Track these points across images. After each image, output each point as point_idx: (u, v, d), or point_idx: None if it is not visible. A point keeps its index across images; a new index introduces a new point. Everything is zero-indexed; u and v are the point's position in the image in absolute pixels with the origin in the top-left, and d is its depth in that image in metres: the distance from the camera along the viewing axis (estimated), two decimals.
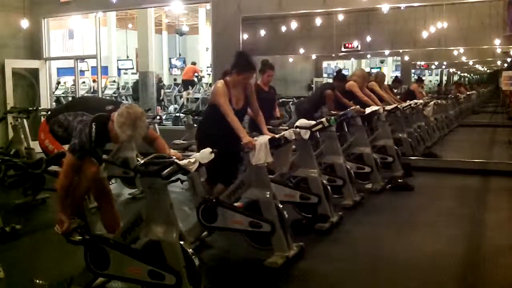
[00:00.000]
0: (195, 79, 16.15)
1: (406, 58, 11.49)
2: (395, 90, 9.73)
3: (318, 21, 9.66)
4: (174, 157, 3.30)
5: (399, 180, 7.17)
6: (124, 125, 3.22)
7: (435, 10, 8.73)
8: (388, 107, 7.70)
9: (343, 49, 10.21)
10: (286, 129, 4.86)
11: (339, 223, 5.34)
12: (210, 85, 12.76)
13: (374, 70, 13.27)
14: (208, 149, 3.52)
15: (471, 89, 12.81)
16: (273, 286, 3.94)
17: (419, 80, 10.68)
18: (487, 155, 8.99)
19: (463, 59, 11.36)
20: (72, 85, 15.62)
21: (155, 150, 3.61)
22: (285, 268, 4.10)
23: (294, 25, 9.99)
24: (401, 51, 11.23)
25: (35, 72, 11.40)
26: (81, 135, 3.37)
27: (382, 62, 14.32)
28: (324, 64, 13.34)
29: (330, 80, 14.56)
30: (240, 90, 4.54)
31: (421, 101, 9.28)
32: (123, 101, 13.18)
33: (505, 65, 10.81)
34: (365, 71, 8.14)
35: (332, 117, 5.65)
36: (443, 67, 12.44)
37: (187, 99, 14.60)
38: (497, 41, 9.09)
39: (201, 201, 4.26)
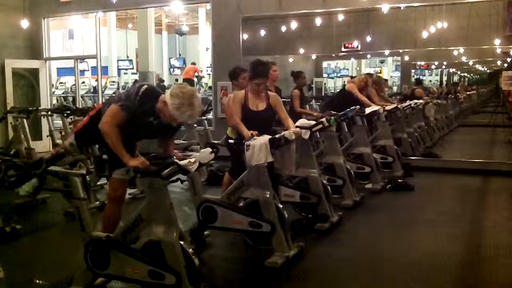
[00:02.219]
0: (195, 79, 16.16)
1: (406, 58, 11.49)
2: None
3: (318, 21, 9.66)
4: (174, 157, 3.30)
5: (399, 180, 7.17)
6: (182, 106, 3.24)
7: (435, 10, 8.74)
8: (388, 107, 7.71)
9: (343, 49, 10.23)
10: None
11: (339, 223, 5.34)
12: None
13: (373, 70, 13.29)
14: (208, 149, 3.53)
15: (471, 90, 12.84)
16: (273, 286, 3.94)
17: (420, 83, 10.67)
18: (487, 155, 9.00)
19: (463, 59, 11.37)
20: (72, 85, 15.62)
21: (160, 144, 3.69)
22: (285, 268, 4.09)
23: (294, 25, 9.98)
24: (401, 51, 11.24)
25: (35, 72, 11.40)
26: (129, 91, 3.49)
27: (382, 62, 14.33)
28: (324, 64, 13.35)
29: (331, 80, 14.60)
30: (261, 96, 4.78)
31: (421, 101, 9.29)
32: None
33: (505, 65, 10.81)
34: (367, 76, 8.03)
35: (332, 117, 5.65)
36: (443, 67, 12.45)
37: None
38: (497, 41, 9.09)
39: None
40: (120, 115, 3.35)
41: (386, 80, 11.71)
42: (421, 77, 12.01)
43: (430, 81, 12.71)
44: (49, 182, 4.94)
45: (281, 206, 4.39)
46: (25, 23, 10.72)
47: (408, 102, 8.67)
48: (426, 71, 12.31)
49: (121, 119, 3.35)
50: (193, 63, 17.78)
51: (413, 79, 11.45)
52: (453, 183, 7.52)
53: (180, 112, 3.27)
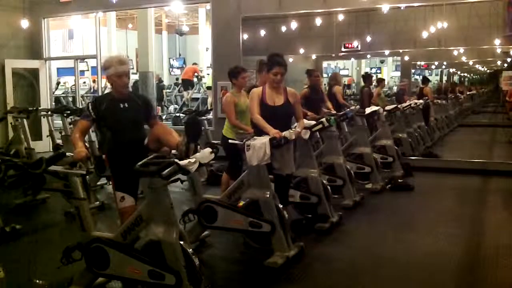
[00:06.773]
0: (195, 79, 16.14)
1: (406, 58, 11.49)
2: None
3: (318, 21, 9.65)
4: (174, 160, 3.29)
5: (399, 180, 7.17)
6: (110, 62, 3.75)
7: (435, 10, 8.74)
8: (388, 107, 7.71)
9: (343, 49, 10.22)
10: None
11: (339, 223, 5.34)
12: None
13: (374, 70, 13.29)
14: (208, 149, 3.52)
15: (470, 90, 12.86)
16: (273, 286, 3.94)
17: (427, 81, 10.66)
18: (487, 155, 9.00)
19: (463, 59, 11.36)
20: (72, 85, 15.62)
21: (158, 135, 3.79)
22: (285, 268, 4.10)
23: (294, 25, 9.97)
24: (401, 51, 11.23)
25: (35, 72, 11.40)
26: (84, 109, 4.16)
27: (382, 62, 14.35)
28: (324, 64, 13.34)
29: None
30: (279, 90, 4.63)
31: (421, 101, 9.29)
32: None
33: (505, 65, 10.82)
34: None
35: (332, 117, 5.64)
36: (443, 67, 12.45)
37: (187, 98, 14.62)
38: (497, 41, 9.10)
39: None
40: (81, 122, 3.87)
41: (384, 79, 11.71)
42: (420, 77, 12.02)
43: (430, 81, 12.71)
44: (49, 182, 4.98)
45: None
46: (25, 23, 10.72)
47: (408, 102, 8.68)
48: (426, 71, 12.31)
49: (85, 125, 3.85)
50: (194, 64, 17.72)
51: (418, 78, 11.41)
52: (453, 183, 7.52)
53: (113, 67, 3.75)
